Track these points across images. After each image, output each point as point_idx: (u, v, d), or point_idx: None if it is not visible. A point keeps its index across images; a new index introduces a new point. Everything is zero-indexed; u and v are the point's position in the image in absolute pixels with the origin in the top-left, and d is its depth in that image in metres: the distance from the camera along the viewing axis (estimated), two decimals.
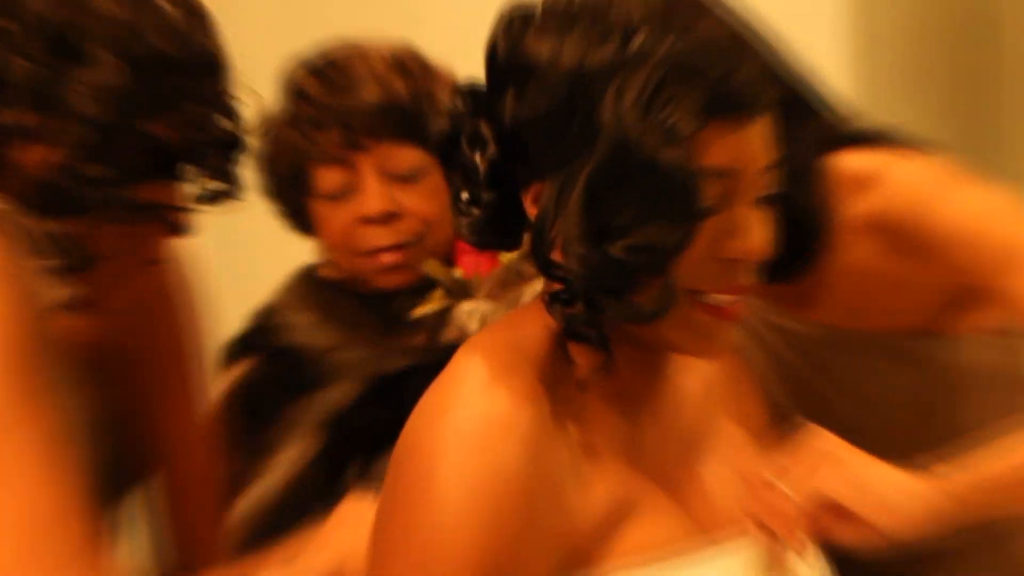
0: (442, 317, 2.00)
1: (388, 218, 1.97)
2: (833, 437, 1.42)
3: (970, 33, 3.23)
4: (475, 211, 1.41)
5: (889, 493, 1.39)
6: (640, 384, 1.45)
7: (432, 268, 1.98)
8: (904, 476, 1.40)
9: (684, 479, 1.47)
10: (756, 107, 1.34)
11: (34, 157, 1.31)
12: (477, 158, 1.39)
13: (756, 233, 1.35)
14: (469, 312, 1.96)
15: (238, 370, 2.03)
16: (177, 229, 1.41)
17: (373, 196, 1.96)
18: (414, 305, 1.96)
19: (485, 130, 1.38)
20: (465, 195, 1.41)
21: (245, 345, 2.05)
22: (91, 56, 1.32)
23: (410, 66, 2.02)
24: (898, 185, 1.66)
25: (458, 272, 2.00)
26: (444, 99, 1.93)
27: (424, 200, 1.98)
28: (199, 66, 1.37)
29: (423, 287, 1.97)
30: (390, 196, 1.96)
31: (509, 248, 1.47)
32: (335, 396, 2.00)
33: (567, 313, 1.34)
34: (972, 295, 1.70)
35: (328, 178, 1.97)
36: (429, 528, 1.28)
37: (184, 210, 1.41)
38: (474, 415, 1.31)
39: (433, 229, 1.98)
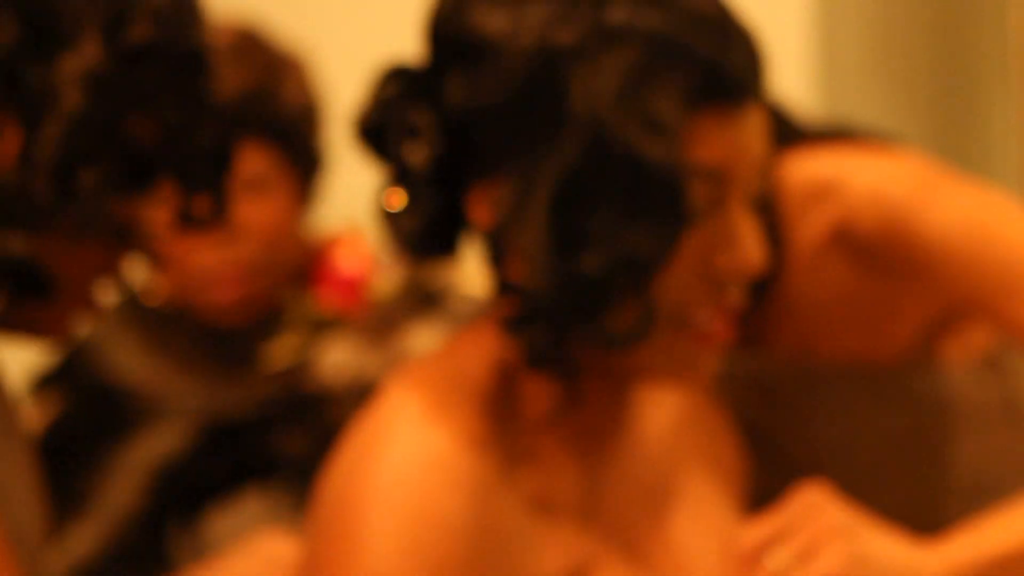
0: (300, 364, 1.82)
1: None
2: (829, 495, 1.31)
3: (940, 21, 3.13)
4: (407, 216, 1.26)
5: (894, 572, 1.30)
6: (602, 423, 1.32)
7: (288, 300, 1.83)
8: (909, 551, 1.32)
9: (648, 536, 1.34)
10: (751, 92, 1.22)
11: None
12: (411, 153, 1.25)
13: (749, 244, 1.23)
14: (335, 365, 1.78)
15: (46, 409, 1.89)
16: (142, 253, 1.25)
17: None
18: (262, 342, 1.79)
19: (422, 119, 1.24)
20: (407, 192, 1.25)
21: (54, 380, 1.91)
22: (75, 40, 1.18)
23: (251, 52, 1.87)
24: (863, 191, 1.48)
25: (316, 305, 1.83)
26: (294, 89, 1.84)
27: (268, 212, 1.80)
28: (190, 61, 1.23)
29: (270, 321, 1.81)
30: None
31: (446, 258, 1.31)
32: (161, 443, 1.85)
33: (530, 339, 1.21)
34: (961, 316, 1.58)
35: None
36: None
37: (152, 232, 1.26)
38: (406, 459, 1.19)
39: (280, 248, 1.80)
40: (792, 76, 1.67)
